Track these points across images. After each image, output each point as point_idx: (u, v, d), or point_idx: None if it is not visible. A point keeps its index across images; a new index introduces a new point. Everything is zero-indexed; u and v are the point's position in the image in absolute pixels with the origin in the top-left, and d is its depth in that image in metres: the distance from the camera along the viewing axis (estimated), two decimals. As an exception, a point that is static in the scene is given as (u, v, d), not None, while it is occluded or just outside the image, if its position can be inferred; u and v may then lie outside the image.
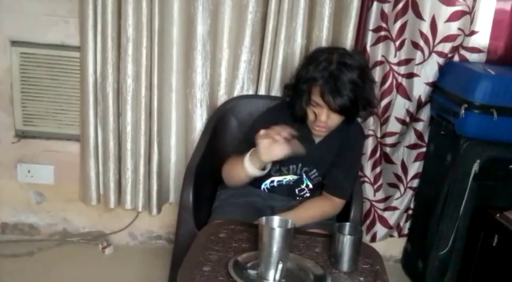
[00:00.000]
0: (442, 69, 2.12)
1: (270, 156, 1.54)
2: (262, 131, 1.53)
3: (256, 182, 1.79)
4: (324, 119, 1.63)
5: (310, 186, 1.83)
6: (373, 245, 1.80)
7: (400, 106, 2.18)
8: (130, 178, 2.21)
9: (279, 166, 1.78)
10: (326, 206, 1.77)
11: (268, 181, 1.82)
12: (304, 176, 1.81)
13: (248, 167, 1.60)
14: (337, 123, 1.67)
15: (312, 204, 1.77)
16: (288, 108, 1.73)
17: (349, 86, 1.57)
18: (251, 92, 2.15)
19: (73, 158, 2.30)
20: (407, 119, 2.20)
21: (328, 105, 1.59)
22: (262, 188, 1.84)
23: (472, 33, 2.09)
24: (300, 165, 1.79)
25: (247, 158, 1.60)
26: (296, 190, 1.84)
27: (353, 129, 1.80)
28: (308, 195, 1.84)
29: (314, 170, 1.80)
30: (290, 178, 1.81)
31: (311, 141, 1.76)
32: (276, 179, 1.81)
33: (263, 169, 1.63)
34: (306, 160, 1.76)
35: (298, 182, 1.82)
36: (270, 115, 1.80)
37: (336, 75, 1.57)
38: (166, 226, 2.44)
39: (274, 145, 1.51)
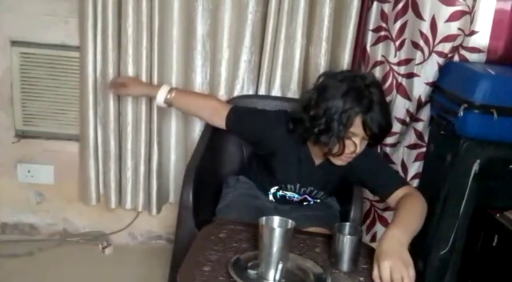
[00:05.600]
0: (442, 69, 2.11)
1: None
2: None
3: (262, 187, 1.84)
4: (359, 150, 1.56)
5: (318, 201, 1.85)
6: (373, 245, 1.79)
7: (400, 106, 2.18)
8: (130, 178, 2.21)
9: (277, 185, 1.79)
10: (410, 201, 1.60)
11: (272, 189, 1.83)
12: (308, 197, 1.82)
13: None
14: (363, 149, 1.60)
15: (402, 207, 1.56)
16: (315, 142, 1.61)
17: (384, 109, 1.54)
18: (251, 92, 2.15)
19: (73, 158, 2.30)
20: (407, 119, 2.20)
21: (370, 133, 1.53)
22: (269, 197, 1.85)
23: (472, 33, 2.09)
24: (298, 185, 1.78)
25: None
26: (303, 203, 1.85)
27: None
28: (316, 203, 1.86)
29: (321, 192, 1.81)
30: (291, 194, 1.81)
31: (311, 163, 1.74)
32: (278, 187, 1.82)
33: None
34: (305, 181, 1.77)
35: (302, 200, 1.83)
36: (276, 120, 1.73)
37: (372, 101, 1.50)
38: (166, 226, 2.44)
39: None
